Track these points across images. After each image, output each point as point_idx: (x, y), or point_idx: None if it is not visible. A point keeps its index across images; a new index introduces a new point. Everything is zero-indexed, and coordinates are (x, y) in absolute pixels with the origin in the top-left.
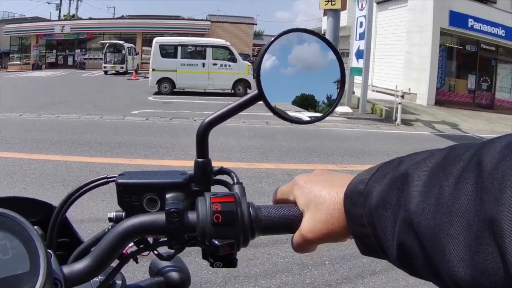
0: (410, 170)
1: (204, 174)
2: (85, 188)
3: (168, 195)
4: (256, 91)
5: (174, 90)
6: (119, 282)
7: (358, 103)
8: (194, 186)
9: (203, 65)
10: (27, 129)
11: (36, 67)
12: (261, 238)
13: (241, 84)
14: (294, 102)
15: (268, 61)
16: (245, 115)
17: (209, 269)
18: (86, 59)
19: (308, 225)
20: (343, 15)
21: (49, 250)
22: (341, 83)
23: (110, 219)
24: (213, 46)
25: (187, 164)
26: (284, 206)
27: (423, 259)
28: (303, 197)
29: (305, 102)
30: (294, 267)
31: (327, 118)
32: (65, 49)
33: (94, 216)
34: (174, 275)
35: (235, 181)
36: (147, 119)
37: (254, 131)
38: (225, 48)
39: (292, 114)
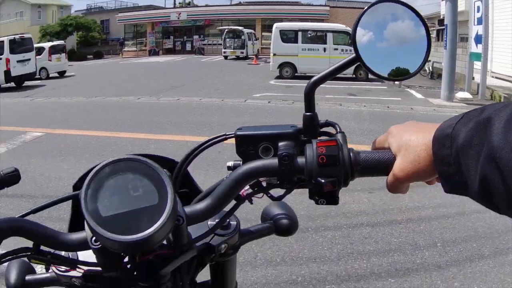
0: (492, 114)
1: (311, 126)
2: (206, 144)
3: (280, 144)
4: (354, 55)
5: (296, 74)
6: (233, 223)
7: (478, 89)
8: (303, 137)
9: (324, 50)
10: (146, 111)
11: (153, 53)
12: (377, 217)
13: (362, 69)
14: (390, 75)
15: (365, 36)
16: (366, 99)
17: (324, 245)
18: (204, 44)
19: (399, 166)
20: None
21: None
22: (426, 53)
23: (229, 168)
24: (333, 31)
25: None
26: (379, 151)
27: (504, 191)
28: (395, 142)
29: (399, 75)
30: (406, 247)
31: (447, 103)
32: (182, 35)
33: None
34: (283, 221)
35: (338, 130)
36: (269, 102)
37: (375, 115)
38: (346, 33)
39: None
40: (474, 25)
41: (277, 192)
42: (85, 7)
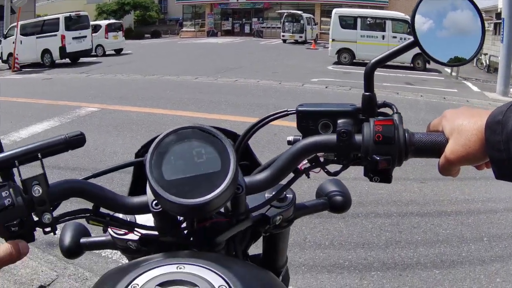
0: None
1: (369, 106)
2: (268, 119)
3: (339, 121)
4: (413, 39)
5: (354, 61)
6: (289, 196)
7: None
8: (361, 115)
9: (383, 37)
10: (203, 91)
11: (212, 34)
12: (427, 207)
13: (420, 58)
14: (448, 63)
15: (425, 24)
16: (423, 89)
17: (373, 231)
18: (263, 27)
19: (451, 149)
20: None
21: None
22: (480, 42)
23: (289, 142)
24: (392, 19)
25: None
26: (433, 134)
27: None
28: (448, 126)
29: (454, 61)
30: (453, 239)
31: (502, 98)
32: (241, 17)
33: None
34: (338, 197)
35: (395, 111)
36: (326, 87)
37: (431, 105)
38: (405, 21)
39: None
40: None
41: (333, 168)
42: None
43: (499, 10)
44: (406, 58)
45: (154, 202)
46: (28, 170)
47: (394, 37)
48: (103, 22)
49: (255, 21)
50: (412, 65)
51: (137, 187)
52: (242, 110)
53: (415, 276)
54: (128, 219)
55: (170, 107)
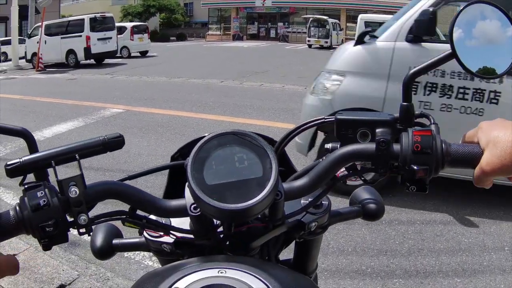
0: None
1: (407, 116)
2: (306, 126)
3: (378, 130)
4: (451, 50)
5: None
6: (325, 203)
7: None
8: (399, 125)
9: None
10: (229, 94)
11: (237, 37)
12: (450, 217)
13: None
14: (478, 72)
15: (464, 36)
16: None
17: (396, 239)
18: (289, 32)
19: (486, 160)
20: None
21: None
22: None
23: (327, 149)
24: None
25: None
26: (469, 145)
27: None
28: (484, 137)
29: (486, 74)
30: (475, 248)
31: None
32: (266, 21)
33: None
34: (371, 205)
35: (432, 121)
36: None
37: None
38: None
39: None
40: None
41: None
42: None
43: None
44: None
45: (193, 206)
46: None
47: None
48: (128, 24)
49: (281, 26)
50: None
51: (171, 191)
52: (267, 115)
53: (437, 285)
54: (163, 222)
55: (195, 110)
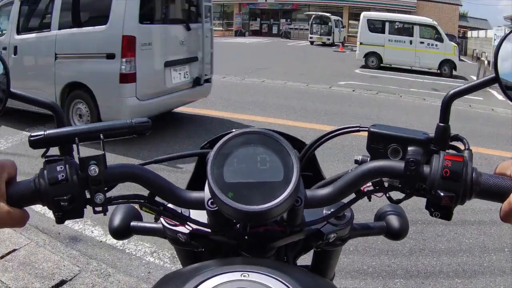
0: None
1: (442, 137)
2: (337, 132)
3: (409, 148)
4: (494, 74)
5: (381, 65)
6: (348, 215)
7: None
8: (432, 146)
9: (411, 42)
10: (231, 91)
11: (239, 33)
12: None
13: (447, 65)
14: None
15: (500, 58)
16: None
17: None
18: (291, 28)
19: None
20: None
21: None
22: None
23: (356, 161)
24: (420, 24)
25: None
26: (500, 177)
27: None
28: None
29: None
30: (475, 249)
31: None
32: (269, 18)
33: None
34: (395, 222)
35: (467, 147)
36: (353, 90)
37: (458, 112)
38: (432, 27)
39: None
40: None
41: (396, 195)
42: None
43: None
44: (433, 64)
45: (210, 201)
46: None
47: (422, 42)
48: None
49: (283, 22)
50: (439, 71)
51: (197, 180)
52: (270, 111)
53: (437, 285)
54: (182, 211)
55: (197, 105)
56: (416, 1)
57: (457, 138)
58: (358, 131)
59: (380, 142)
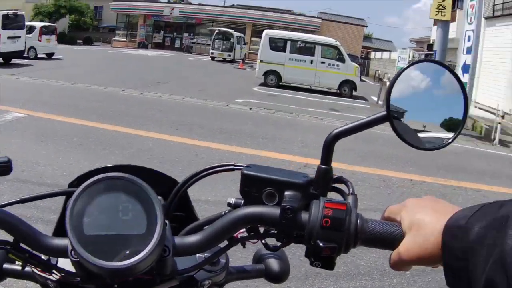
0: (511, 214)
1: (324, 180)
2: (211, 171)
3: (286, 193)
4: (385, 112)
5: (280, 83)
6: (222, 260)
7: None
8: (313, 189)
9: (311, 62)
10: (129, 104)
11: (142, 45)
12: None
13: (347, 85)
14: (443, 125)
15: (424, 82)
16: (349, 117)
17: (292, 262)
18: (193, 43)
19: (406, 246)
20: (452, 27)
21: (165, 220)
22: (464, 113)
23: (229, 204)
24: (322, 44)
25: (287, 158)
26: (389, 224)
27: None
28: (408, 219)
29: (452, 126)
30: (375, 272)
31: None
32: (172, 31)
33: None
34: (275, 265)
35: (351, 191)
36: (250, 108)
37: (357, 134)
38: (335, 47)
39: (428, 135)
40: (463, 54)
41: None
42: None
43: (431, 42)
44: (333, 84)
45: (73, 251)
46: None
47: (323, 62)
48: (38, 24)
49: (186, 36)
50: (338, 91)
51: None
52: (165, 128)
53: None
54: (50, 258)
55: (95, 119)
56: (320, 20)
57: (341, 180)
58: (232, 169)
59: (254, 186)
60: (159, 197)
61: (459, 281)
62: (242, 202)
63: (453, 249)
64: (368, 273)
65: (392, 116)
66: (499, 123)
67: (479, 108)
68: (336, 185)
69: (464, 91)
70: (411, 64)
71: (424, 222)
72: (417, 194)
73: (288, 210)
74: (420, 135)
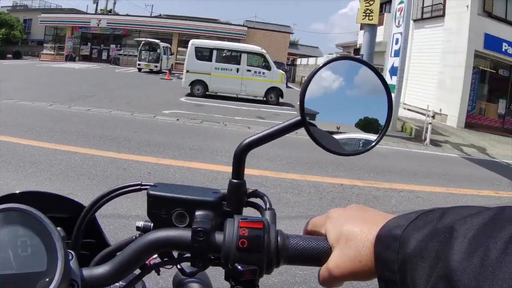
0: (456, 225)
1: (237, 196)
2: (117, 192)
3: (197, 213)
4: (299, 117)
5: (207, 93)
6: None
7: None
8: (226, 206)
9: (237, 70)
10: (57, 119)
11: (70, 58)
12: None
13: (273, 92)
14: (358, 125)
15: (336, 82)
16: (275, 124)
17: (222, 274)
18: (120, 55)
19: (335, 261)
20: (380, 30)
21: (70, 251)
22: (388, 114)
23: (138, 228)
24: (248, 52)
25: (215, 168)
26: (313, 238)
27: None
28: (334, 231)
29: (368, 126)
30: (312, 280)
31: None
32: (100, 43)
33: (118, 212)
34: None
35: (267, 206)
36: (177, 119)
37: (283, 140)
38: (260, 55)
39: (345, 136)
40: (390, 56)
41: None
42: (11, 4)
43: (358, 46)
44: (260, 92)
45: None
46: None
47: (249, 70)
48: None
49: (113, 48)
50: (265, 99)
51: None
52: (93, 143)
53: None
54: None
55: (22, 135)
56: (246, 29)
57: (256, 194)
58: (140, 190)
59: (162, 206)
60: (59, 228)
61: None
62: (152, 225)
63: (388, 262)
64: (304, 282)
65: (308, 122)
66: (430, 123)
67: (409, 109)
68: (252, 199)
69: (388, 89)
70: (325, 63)
71: (353, 233)
72: (348, 199)
73: (200, 232)
74: (337, 137)
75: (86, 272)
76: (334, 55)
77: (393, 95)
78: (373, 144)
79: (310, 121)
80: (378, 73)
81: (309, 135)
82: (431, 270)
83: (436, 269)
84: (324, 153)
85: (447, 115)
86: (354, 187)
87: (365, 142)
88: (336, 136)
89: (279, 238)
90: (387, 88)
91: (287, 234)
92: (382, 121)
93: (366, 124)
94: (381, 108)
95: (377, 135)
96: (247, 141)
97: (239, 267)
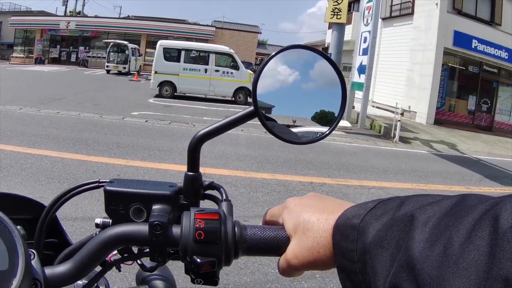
0: (416, 213)
1: (194, 188)
2: (76, 190)
3: (154, 207)
4: (252, 108)
5: (175, 94)
6: (102, 287)
7: (358, 118)
8: (183, 199)
9: (206, 71)
10: (26, 123)
11: (39, 61)
12: None
13: (242, 92)
14: (314, 118)
15: (291, 76)
16: (244, 124)
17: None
18: (89, 57)
19: (293, 251)
20: (348, 29)
21: (32, 250)
22: (341, 105)
23: (97, 225)
24: (216, 53)
25: (184, 169)
26: (271, 228)
27: None
28: (291, 221)
29: (324, 118)
30: (284, 278)
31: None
32: (69, 45)
33: (87, 215)
34: (159, 285)
35: (224, 198)
36: (146, 121)
37: (252, 140)
38: (229, 55)
39: (302, 129)
40: (359, 55)
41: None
42: None
43: (326, 45)
44: (228, 92)
45: None
46: None
47: (217, 70)
48: None
49: (82, 50)
50: (233, 98)
51: None
52: (63, 145)
53: None
54: None
55: None
56: (214, 29)
57: (213, 186)
58: (99, 187)
59: (119, 202)
60: (19, 226)
61: (357, 285)
62: (110, 221)
63: (347, 251)
64: (277, 280)
65: (264, 115)
66: (399, 120)
67: (378, 107)
68: (209, 192)
69: (342, 78)
70: (277, 52)
71: (310, 222)
72: None
73: (157, 226)
74: (294, 130)
75: (49, 271)
76: None
77: (361, 93)
78: (327, 132)
79: (267, 114)
80: (331, 61)
81: (262, 125)
82: (392, 259)
83: (397, 258)
84: (292, 152)
85: (416, 112)
86: (324, 185)
87: (321, 135)
88: (293, 129)
89: (236, 229)
90: (342, 78)
91: (244, 224)
92: (337, 113)
93: (322, 117)
94: (336, 100)
95: (331, 126)
96: (200, 133)
97: (197, 259)
